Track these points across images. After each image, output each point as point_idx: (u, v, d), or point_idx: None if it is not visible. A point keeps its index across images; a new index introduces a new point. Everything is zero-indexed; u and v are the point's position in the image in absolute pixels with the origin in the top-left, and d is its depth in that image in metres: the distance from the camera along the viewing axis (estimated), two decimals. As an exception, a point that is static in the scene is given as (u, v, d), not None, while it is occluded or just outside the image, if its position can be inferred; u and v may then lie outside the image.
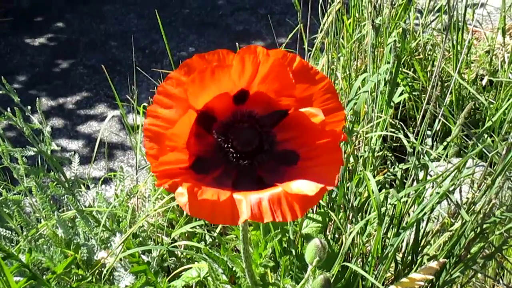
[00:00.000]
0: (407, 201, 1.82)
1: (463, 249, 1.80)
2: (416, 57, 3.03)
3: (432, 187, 1.81)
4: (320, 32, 2.36)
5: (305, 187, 0.84)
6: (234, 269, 1.34)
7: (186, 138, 0.87)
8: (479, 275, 2.06)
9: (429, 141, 2.40)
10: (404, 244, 1.96)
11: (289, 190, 0.83)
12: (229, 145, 0.91)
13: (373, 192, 1.69)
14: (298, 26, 2.20)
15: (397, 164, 2.32)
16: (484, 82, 3.05)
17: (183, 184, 0.81)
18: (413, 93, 2.86)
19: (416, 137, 1.81)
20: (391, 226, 1.87)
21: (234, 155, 0.91)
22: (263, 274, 1.32)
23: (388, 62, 2.12)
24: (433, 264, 1.64)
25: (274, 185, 0.85)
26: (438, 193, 1.71)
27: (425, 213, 1.79)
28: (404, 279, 1.61)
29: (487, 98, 2.83)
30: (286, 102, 0.92)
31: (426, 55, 3.06)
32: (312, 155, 0.90)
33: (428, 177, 1.89)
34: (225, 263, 1.35)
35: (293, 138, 0.94)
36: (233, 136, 0.91)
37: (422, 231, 1.90)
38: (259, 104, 0.93)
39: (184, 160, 0.87)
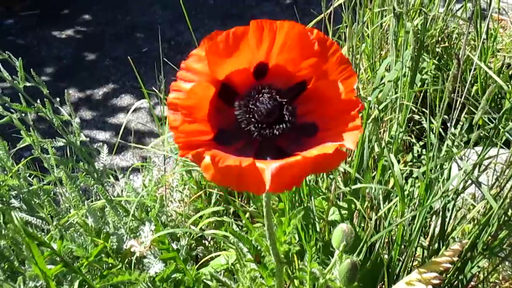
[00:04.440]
0: (430, 184, 1.82)
1: (489, 236, 1.80)
2: (442, 45, 3.03)
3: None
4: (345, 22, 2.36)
5: (324, 148, 0.86)
6: (259, 248, 1.36)
7: (206, 111, 0.89)
8: (506, 262, 2.06)
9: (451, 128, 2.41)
10: (431, 231, 1.97)
11: (309, 155, 0.84)
12: (250, 116, 0.92)
13: (396, 177, 1.70)
14: (322, 15, 2.21)
15: (421, 150, 2.33)
16: (510, 71, 3.03)
17: (206, 152, 0.83)
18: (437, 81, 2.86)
19: (442, 126, 1.82)
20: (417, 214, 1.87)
21: (256, 125, 0.92)
22: (287, 251, 1.34)
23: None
24: (456, 246, 1.64)
25: (295, 155, 0.87)
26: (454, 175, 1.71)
27: (449, 198, 1.80)
28: (427, 263, 1.62)
29: (513, 86, 2.82)
30: (305, 72, 0.94)
31: (452, 43, 3.05)
32: (331, 126, 0.92)
33: (454, 165, 1.89)
34: (250, 242, 1.37)
35: (312, 111, 0.96)
36: (254, 107, 0.92)
37: (447, 219, 1.90)
38: (279, 78, 0.95)
39: (207, 132, 0.89)
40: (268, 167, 0.84)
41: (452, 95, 1.78)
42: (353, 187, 1.94)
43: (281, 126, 0.92)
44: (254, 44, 0.88)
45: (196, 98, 0.88)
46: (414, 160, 2.32)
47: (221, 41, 0.86)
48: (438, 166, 1.80)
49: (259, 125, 0.92)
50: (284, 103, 0.93)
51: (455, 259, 1.62)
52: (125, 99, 3.99)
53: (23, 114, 2.05)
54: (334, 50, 0.92)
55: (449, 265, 1.60)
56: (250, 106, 0.92)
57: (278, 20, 0.88)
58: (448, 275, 1.90)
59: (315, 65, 0.92)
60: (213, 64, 0.87)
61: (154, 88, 2.68)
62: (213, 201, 2.29)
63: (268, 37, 0.88)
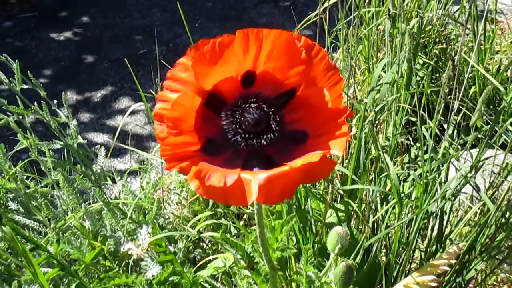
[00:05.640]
0: (427, 188, 1.82)
1: (487, 238, 1.80)
2: (440, 47, 3.03)
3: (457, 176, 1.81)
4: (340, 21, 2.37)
5: (309, 157, 0.85)
6: (252, 254, 1.36)
7: (192, 122, 0.89)
8: (505, 264, 2.06)
9: (449, 130, 2.41)
10: (428, 234, 1.97)
11: (295, 165, 0.84)
12: (238, 126, 0.92)
13: (390, 177, 1.70)
14: (314, 14, 2.21)
15: (418, 152, 2.33)
16: (509, 73, 3.03)
17: (192, 168, 0.83)
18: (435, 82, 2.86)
19: (439, 128, 1.81)
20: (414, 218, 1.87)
21: (243, 135, 0.92)
22: (280, 258, 1.34)
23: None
24: (454, 248, 1.64)
25: (283, 164, 0.86)
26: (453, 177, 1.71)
27: (447, 198, 1.80)
28: (425, 266, 1.62)
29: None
30: (293, 79, 0.93)
31: (450, 45, 3.05)
32: (320, 133, 0.91)
33: (451, 167, 1.89)
34: (242, 248, 1.36)
35: (300, 118, 0.95)
36: (242, 117, 0.92)
37: (445, 221, 1.90)
38: (266, 86, 0.94)
39: (193, 143, 0.89)
40: (255, 178, 0.83)
41: (449, 97, 1.78)
42: (348, 187, 1.94)
43: (268, 135, 0.92)
44: (240, 53, 0.88)
45: (182, 109, 0.87)
46: (411, 162, 2.31)
47: (207, 51, 0.85)
48: (435, 168, 1.80)
49: (246, 135, 0.92)
50: (271, 112, 0.92)
51: (453, 261, 1.62)
52: (123, 102, 4.00)
53: (20, 117, 2.05)
54: (321, 56, 0.92)
55: (447, 268, 1.60)
56: (237, 116, 0.92)
57: (265, 28, 0.87)
58: (446, 278, 1.90)
59: (303, 73, 0.92)
60: (200, 74, 0.87)
61: (151, 91, 2.68)
62: (210, 203, 2.28)
63: (255, 46, 0.87)
